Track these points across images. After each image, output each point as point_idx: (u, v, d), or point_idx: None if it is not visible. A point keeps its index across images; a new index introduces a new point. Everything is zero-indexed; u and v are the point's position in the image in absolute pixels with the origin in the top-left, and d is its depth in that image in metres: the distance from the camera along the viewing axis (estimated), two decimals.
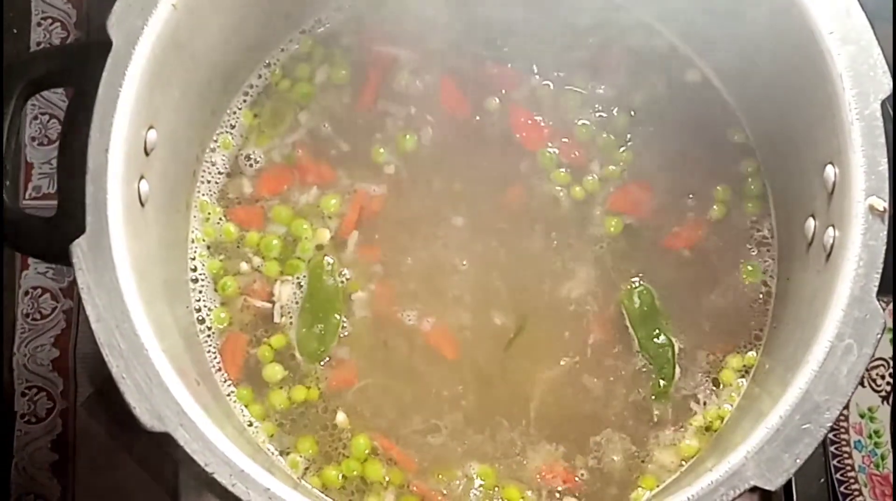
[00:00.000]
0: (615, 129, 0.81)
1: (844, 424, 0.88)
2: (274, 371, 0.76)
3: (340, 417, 0.75)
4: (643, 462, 0.74)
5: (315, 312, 0.77)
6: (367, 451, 0.74)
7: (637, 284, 0.78)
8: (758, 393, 0.73)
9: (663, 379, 0.76)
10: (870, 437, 0.88)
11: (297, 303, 0.77)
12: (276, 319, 0.77)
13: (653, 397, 0.76)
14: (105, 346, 0.61)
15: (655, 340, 0.76)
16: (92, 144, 0.63)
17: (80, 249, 0.61)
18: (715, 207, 0.79)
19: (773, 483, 0.59)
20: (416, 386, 0.76)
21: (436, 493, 0.74)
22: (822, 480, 0.85)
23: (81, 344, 0.93)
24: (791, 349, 0.67)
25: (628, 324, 0.77)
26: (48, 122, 0.97)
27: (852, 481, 0.86)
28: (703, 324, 0.77)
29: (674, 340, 0.77)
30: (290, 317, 0.77)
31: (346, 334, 0.77)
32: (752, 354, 0.76)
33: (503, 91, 0.82)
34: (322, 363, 0.76)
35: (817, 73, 0.66)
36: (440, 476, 0.74)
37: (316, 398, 0.76)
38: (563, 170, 0.80)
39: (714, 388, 0.76)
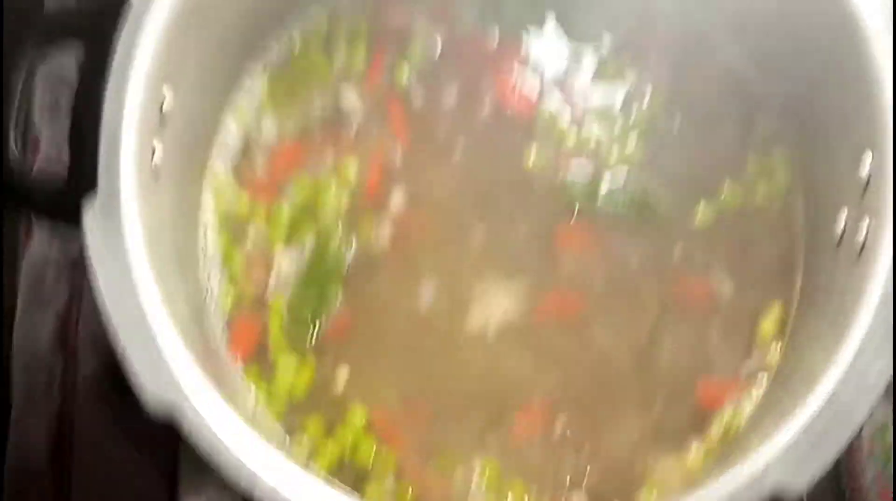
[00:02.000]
0: (641, 109, 0.81)
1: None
2: (287, 361, 0.75)
3: (342, 374, 0.74)
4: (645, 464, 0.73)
5: (313, 281, 0.76)
6: (363, 423, 0.73)
7: (604, 190, 0.78)
8: (780, 394, 0.71)
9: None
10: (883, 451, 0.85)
11: (296, 269, 0.77)
12: (272, 286, 0.76)
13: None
14: (112, 317, 0.59)
15: None
16: (106, 106, 0.62)
17: (91, 211, 0.61)
18: (741, 196, 0.79)
19: (795, 489, 0.58)
20: (415, 370, 0.75)
21: (434, 480, 0.73)
22: (834, 492, 0.84)
23: (84, 319, 0.91)
24: (818, 347, 0.66)
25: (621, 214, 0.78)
26: (58, 86, 0.94)
27: (866, 490, 0.84)
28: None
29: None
30: (287, 285, 0.77)
31: (341, 308, 0.76)
32: (776, 345, 0.75)
33: (525, 67, 0.82)
34: (310, 333, 0.75)
35: (857, 56, 0.65)
36: (439, 464, 0.73)
37: (313, 375, 0.75)
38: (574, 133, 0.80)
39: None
